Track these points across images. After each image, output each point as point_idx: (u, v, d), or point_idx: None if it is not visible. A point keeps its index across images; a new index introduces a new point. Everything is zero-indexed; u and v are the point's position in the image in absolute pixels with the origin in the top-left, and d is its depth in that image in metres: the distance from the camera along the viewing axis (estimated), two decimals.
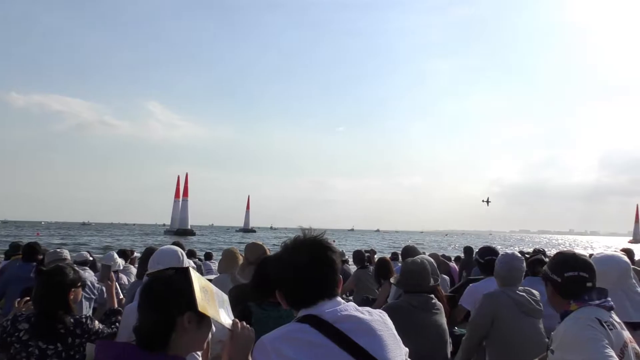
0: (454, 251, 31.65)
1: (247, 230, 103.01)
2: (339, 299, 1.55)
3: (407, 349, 1.61)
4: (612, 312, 2.14)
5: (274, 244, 17.43)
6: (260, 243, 3.82)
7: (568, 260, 2.26)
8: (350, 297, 7.21)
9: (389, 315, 1.61)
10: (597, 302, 2.12)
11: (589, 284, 2.18)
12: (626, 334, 2.11)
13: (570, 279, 2.21)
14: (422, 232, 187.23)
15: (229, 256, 4.44)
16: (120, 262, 5.77)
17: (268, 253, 3.53)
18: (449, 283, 6.31)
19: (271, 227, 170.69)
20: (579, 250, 2.49)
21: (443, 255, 7.95)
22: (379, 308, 1.84)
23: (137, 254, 7.62)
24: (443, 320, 3.27)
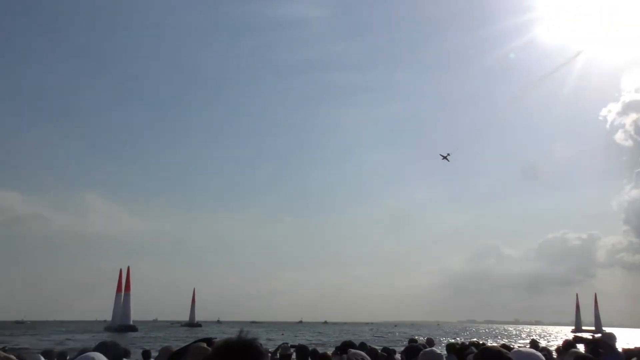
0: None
1: (192, 324, 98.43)
2: None
3: None
4: None
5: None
6: (204, 345, 3.34)
7: (494, 356, 2.38)
8: None
9: None
10: None
11: None
12: None
13: None
14: (371, 323, 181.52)
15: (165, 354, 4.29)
16: None
17: None
18: None
19: (218, 321, 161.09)
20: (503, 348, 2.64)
21: (385, 349, 8.05)
22: None
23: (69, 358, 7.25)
24: None
